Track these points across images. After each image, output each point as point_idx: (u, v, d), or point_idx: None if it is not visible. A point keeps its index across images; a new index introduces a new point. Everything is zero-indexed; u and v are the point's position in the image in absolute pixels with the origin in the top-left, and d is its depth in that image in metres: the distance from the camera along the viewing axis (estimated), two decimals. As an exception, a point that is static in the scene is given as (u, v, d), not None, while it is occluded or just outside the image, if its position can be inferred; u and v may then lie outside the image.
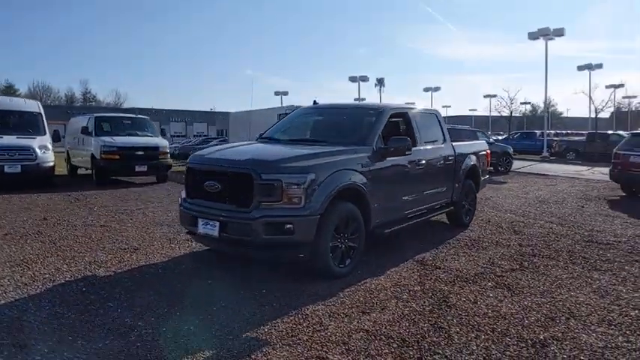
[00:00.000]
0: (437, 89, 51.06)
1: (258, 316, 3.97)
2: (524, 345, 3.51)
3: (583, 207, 10.39)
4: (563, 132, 35.99)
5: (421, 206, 6.49)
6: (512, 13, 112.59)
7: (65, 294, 4.41)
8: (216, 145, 29.18)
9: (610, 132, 30.02)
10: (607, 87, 47.67)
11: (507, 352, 3.39)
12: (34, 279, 4.81)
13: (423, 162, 6.34)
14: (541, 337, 3.63)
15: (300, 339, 3.55)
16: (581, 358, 3.33)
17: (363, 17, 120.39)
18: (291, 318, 3.94)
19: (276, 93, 56.03)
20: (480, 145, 8.72)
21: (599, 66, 35.80)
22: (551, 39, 27.02)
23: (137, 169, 12.85)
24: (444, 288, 4.76)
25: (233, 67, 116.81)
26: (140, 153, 12.92)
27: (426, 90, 51.26)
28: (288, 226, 4.55)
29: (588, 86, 39.64)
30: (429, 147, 6.61)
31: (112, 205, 9.54)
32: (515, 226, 7.93)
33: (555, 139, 29.75)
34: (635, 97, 56.50)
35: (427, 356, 3.31)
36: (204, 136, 48.62)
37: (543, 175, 18.04)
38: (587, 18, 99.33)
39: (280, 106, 18.50)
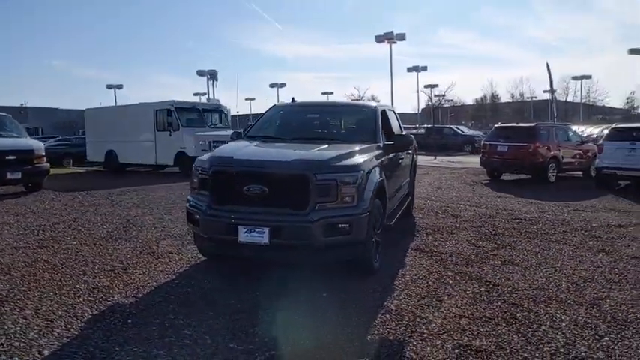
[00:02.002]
0: (282, 85, 52.52)
1: (356, 319, 3.92)
2: (586, 306, 4.19)
3: (474, 190, 12.13)
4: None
5: (401, 198, 6.94)
6: (339, 16, 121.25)
7: (118, 331, 3.67)
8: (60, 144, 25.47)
9: (444, 126, 34.82)
10: (425, 86, 54.77)
11: (582, 315, 4.01)
12: (50, 319, 3.86)
13: (402, 156, 6.79)
14: (588, 299, 4.37)
15: (422, 333, 3.65)
16: (631, 310, 4.13)
17: (190, 11, 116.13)
18: (387, 316, 3.99)
19: (109, 86, 51.22)
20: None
21: (425, 68, 41.20)
22: (394, 42, 30.13)
23: (9, 176, 10.64)
24: (470, 270, 5.26)
25: (37, 59, 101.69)
26: (11, 158, 10.72)
27: (272, 86, 52.28)
28: (345, 225, 4.52)
29: (417, 86, 45.27)
30: (402, 142, 7.06)
31: (13, 222, 7.82)
32: (447, 211, 8.93)
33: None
34: (444, 95, 65.94)
35: (539, 327, 3.74)
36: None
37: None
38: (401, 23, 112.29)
39: (159, 101, 16.94)
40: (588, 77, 47.74)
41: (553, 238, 6.78)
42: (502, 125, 15.57)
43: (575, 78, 48.86)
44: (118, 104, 31.77)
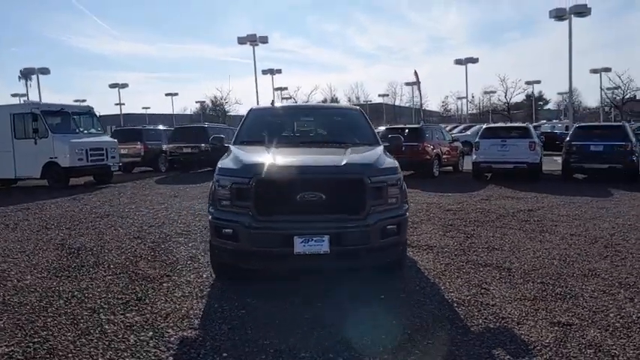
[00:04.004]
0: (124, 86, 48.28)
1: (441, 315, 4.07)
2: (592, 277, 5.00)
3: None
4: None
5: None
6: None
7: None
8: None
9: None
10: (275, 89, 55.94)
11: (598, 284, 4.79)
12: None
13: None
14: (586, 271, 5.21)
15: (511, 319, 3.97)
16: (625, 276, 5.05)
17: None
18: (463, 308, 4.23)
19: None
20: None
21: (279, 71, 42.13)
22: (256, 44, 30.22)
23: None
24: (473, 258, 5.79)
25: None
26: None
27: (113, 86, 47.67)
28: (394, 227, 4.60)
29: (272, 87, 46.10)
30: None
31: None
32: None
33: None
34: (289, 97, 68.30)
35: (583, 297, 4.36)
36: None
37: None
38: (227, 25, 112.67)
39: (17, 104, 14.20)
40: (417, 83, 54.28)
41: (498, 224, 7.76)
42: (392, 127, 16.95)
43: (407, 84, 55.25)
44: None
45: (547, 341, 3.53)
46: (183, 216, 8.79)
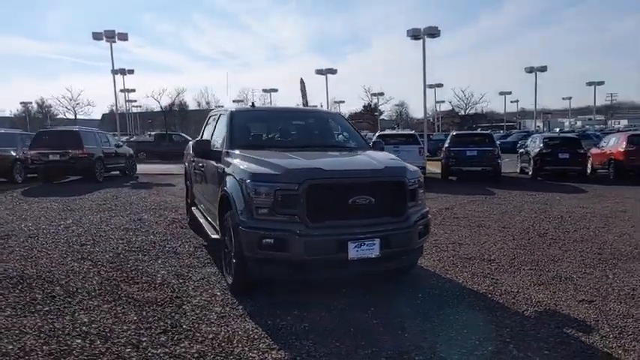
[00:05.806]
0: None
1: (487, 305, 4.37)
2: (556, 260, 5.85)
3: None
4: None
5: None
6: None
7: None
8: None
9: (173, 133, 33.92)
10: (121, 91, 51.30)
11: (571, 267, 5.63)
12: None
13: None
14: (551, 256, 6.09)
15: (547, 301, 4.46)
16: (591, 257, 6.02)
17: None
18: (502, 297, 4.60)
19: None
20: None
21: (132, 72, 38.82)
22: (113, 42, 27.54)
23: None
24: (457, 253, 6.27)
25: None
26: None
27: None
28: (422, 227, 4.80)
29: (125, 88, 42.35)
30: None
31: None
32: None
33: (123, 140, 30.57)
34: (135, 101, 63.36)
35: (573, 279, 5.10)
36: None
37: (169, 174, 19.09)
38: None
39: None
40: (275, 90, 55.31)
41: (437, 222, 8.46)
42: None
43: (265, 91, 55.71)
44: None
45: (593, 316, 4.08)
46: (109, 231, 7.68)
